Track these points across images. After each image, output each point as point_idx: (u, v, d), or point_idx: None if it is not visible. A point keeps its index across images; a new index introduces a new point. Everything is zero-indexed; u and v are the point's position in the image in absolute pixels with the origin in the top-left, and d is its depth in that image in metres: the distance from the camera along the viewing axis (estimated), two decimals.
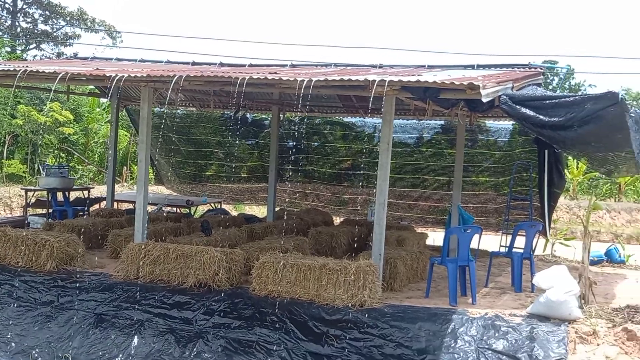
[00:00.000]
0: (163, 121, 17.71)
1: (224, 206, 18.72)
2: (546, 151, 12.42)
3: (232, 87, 8.74)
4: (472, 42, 74.66)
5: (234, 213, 18.85)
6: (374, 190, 10.88)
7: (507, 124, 15.94)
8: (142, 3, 72.03)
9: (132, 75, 9.33)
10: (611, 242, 17.92)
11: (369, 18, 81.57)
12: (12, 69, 10.15)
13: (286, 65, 13.51)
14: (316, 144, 18.88)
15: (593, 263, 12.40)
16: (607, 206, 25.09)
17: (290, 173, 18.33)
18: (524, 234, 10.38)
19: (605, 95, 8.25)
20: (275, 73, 9.45)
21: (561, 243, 14.87)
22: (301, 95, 8.41)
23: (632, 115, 8.78)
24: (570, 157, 20.70)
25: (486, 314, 8.10)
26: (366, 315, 8.03)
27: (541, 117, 8.50)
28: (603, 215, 24.87)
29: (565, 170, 19.33)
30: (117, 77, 9.18)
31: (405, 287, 9.68)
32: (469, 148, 15.89)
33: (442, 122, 17.13)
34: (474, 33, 77.94)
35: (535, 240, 10.59)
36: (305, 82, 8.26)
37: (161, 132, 17.72)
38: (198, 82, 9.40)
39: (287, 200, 18.54)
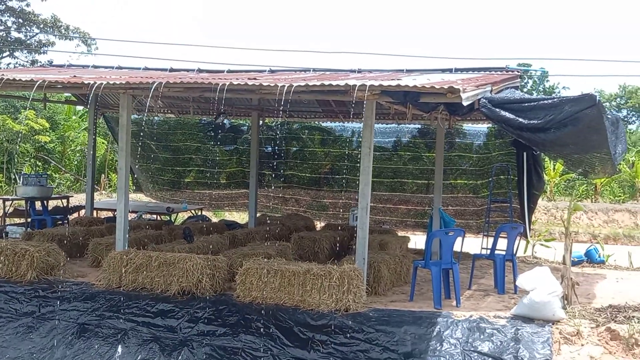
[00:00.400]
0: (142, 128, 17.59)
1: (204, 213, 18.64)
2: (525, 153, 12.54)
3: (212, 93, 8.71)
4: (449, 46, 75.22)
5: (215, 219, 18.77)
6: (354, 195, 10.89)
7: (484, 126, 16.06)
8: (117, 10, 71.59)
9: (111, 82, 9.26)
10: (590, 243, 18.12)
11: (346, 23, 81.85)
12: None
13: (265, 71, 13.52)
14: (295, 149, 18.87)
15: (573, 264, 12.46)
16: (584, 207, 25.37)
17: (270, 178, 18.30)
18: (506, 236, 10.45)
19: (583, 97, 8.37)
20: (255, 79, 9.43)
21: (541, 244, 15.00)
22: (282, 100, 8.40)
23: (609, 117, 8.93)
24: (546, 159, 20.93)
25: (471, 316, 8.14)
26: (351, 320, 8.04)
27: (520, 119, 8.58)
28: (580, 216, 25.14)
29: (543, 172, 19.54)
30: (96, 85, 9.10)
31: (390, 290, 9.69)
32: (446, 151, 15.99)
33: (419, 126, 17.22)
34: (450, 37, 78.52)
35: (516, 242, 10.67)
36: (285, 88, 8.26)
37: (140, 139, 17.60)
38: (178, 88, 9.36)
39: (268, 205, 18.50)
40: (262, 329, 8.19)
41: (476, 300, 9.40)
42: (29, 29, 37.95)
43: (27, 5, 37.24)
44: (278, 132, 18.18)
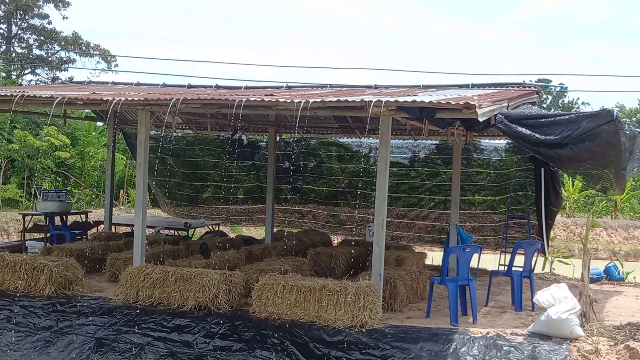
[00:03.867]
0: (160, 144, 17.73)
1: (221, 228, 18.69)
2: (542, 169, 12.49)
3: (229, 109, 8.78)
4: (467, 62, 75.21)
5: (232, 235, 18.82)
6: (371, 210, 10.88)
7: (501, 142, 16.01)
8: (137, 27, 72.42)
9: (130, 99, 9.37)
10: (609, 260, 17.94)
11: (363, 39, 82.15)
12: (9, 94, 10.17)
13: (282, 87, 13.60)
14: (312, 164, 18.91)
15: (592, 281, 12.38)
16: (604, 223, 25.12)
17: (287, 193, 18.33)
18: (523, 252, 10.38)
19: (600, 113, 8.34)
20: (272, 95, 9.50)
21: (560, 261, 14.87)
22: (298, 116, 8.44)
23: (627, 132, 8.87)
24: (565, 175, 20.78)
25: (487, 333, 8.09)
26: (367, 336, 8.01)
27: (537, 135, 8.57)
28: (600, 233, 24.90)
29: (561, 188, 19.39)
30: (115, 101, 9.21)
31: (406, 307, 9.65)
32: (464, 167, 15.94)
33: (437, 142, 17.19)
34: (468, 53, 78.50)
35: (534, 258, 10.59)
36: (302, 104, 8.31)
37: (158, 155, 17.73)
38: (195, 104, 9.44)
39: (285, 220, 18.52)
40: (277, 345, 8.18)
41: (493, 317, 9.34)
42: (50, 46, 38.54)
43: (49, 23, 37.88)
44: (295, 148, 18.23)
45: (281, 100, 8.64)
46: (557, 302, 8.00)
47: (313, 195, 18.65)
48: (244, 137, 18.27)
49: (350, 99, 8.41)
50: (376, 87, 13.02)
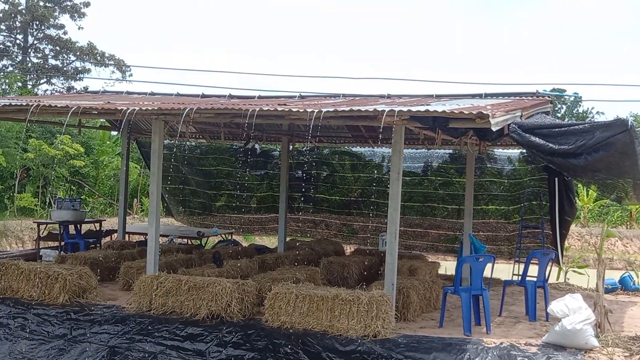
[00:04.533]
0: (173, 153, 17.83)
1: (234, 237, 18.73)
2: (556, 179, 12.42)
3: (242, 118, 8.81)
4: (480, 71, 75.09)
5: (245, 244, 18.85)
6: (384, 219, 10.86)
7: (515, 152, 15.96)
8: (150, 37, 72.96)
9: (144, 108, 9.43)
10: (625, 270, 17.78)
11: (376, 49, 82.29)
12: (24, 104, 10.28)
13: (295, 97, 13.63)
14: (325, 173, 18.93)
15: (607, 291, 12.28)
16: (619, 233, 24.93)
17: (300, 203, 18.34)
18: (537, 262, 10.33)
19: (614, 122, 8.30)
20: (285, 104, 9.53)
21: (574, 271, 14.77)
22: (311, 126, 8.46)
23: None
24: (579, 185, 20.66)
25: (501, 343, 8.04)
26: (380, 345, 7.99)
27: (551, 145, 8.53)
28: (615, 243, 24.70)
29: (576, 198, 19.31)
30: (129, 111, 9.27)
31: (419, 317, 9.62)
32: (477, 176, 15.90)
33: (450, 151, 17.17)
34: (481, 62, 78.39)
35: (548, 268, 10.53)
36: (315, 113, 8.33)
37: (172, 164, 17.82)
38: (209, 114, 9.48)
39: (298, 230, 18.53)
40: (290, 354, 8.17)
41: (507, 327, 9.28)
42: (65, 56, 38.88)
43: (65, 33, 38.23)
44: (308, 157, 18.27)
45: (294, 109, 8.66)
46: (571, 313, 7.95)
47: (326, 204, 18.66)
48: (257, 146, 18.33)
49: (363, 108, 8.42)
50: (389, 96, 13.02)
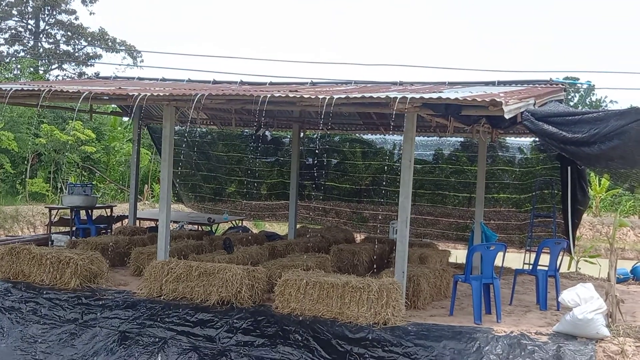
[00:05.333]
0: (184, 139, 17.84)
1: (245, 223, 18.74)
2: (569, 167, 12.34)
3: (253, 105, 8.77)
4: (493, 58, 74.59)
5: (255, 230, 18.87)
6: (395, 207, 10.82)
7: (527, 140, 15.86)
8: (163, 22, 72.90)
9: (155, 94, 9.41)
10: (637, 260, 17.69)
11: (388, 35, 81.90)
12: (36, 89, 10.28)
13: (306, 83, 13.58)
14: (336, 161, 18.88)
15: (619, 281, 12.22)
16: (631, 223, 24.79)
17: (311, 190, 18.32)
18: (548, 251, 10.27)
19: (629, 111, 8.23)
20: (296, 91, 9.49)
21: (586, 260, 14.71)
22: (322, 112, 8.42)
23: None
24: (592, 174, 20.53)
25: (512, 332, 8.02)
26: (390, 333, 7.98)
27: (564, 133, 8.46)
28: (627, 232, 24.57)
29: (588, 187, 19.19)
30: (140, 96, 9.26)
31: (429, 305, 9.61)
32: (489, 165, 15.81)
33: (462, 139, 17.07)
34: (494, 49, 77.90)
35: (560, 257, 10.48)
36: (326, 100, 8.28)
37: (182, 150, 17.83)
38: (220, 100, 9.45)
39: (308, 217, 18.53)
40: (300, 341, 8.19)
41: (517, 316, 9.25)
42: (77, 41, 38.93)
43: (76, 18, 38.26)
44: (319, 145, 18.22)
45: (305, 96, 8.63)
46: (582, 302, 7.90)
47: (336, 192, 18.62)
48: (267, 133, 18.29)
49: (375, 95, 8.37)
50: (401, 83, 12.95)
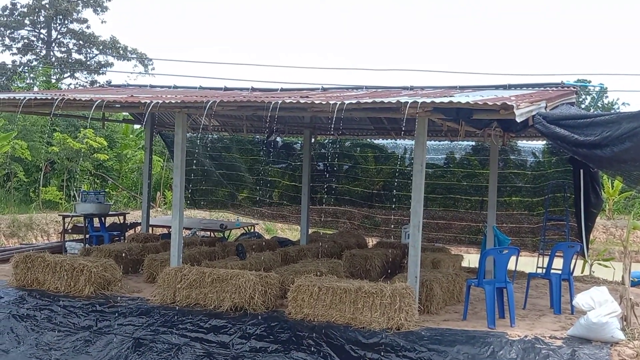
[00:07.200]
0: (197, 146, 17.91)
1: (257, 229, 18.78)
2: (582, 170, 12.28)
3: (264, 111, 8.81)
4: (504, 62, 74.39)
5: (267, 236, 18.90)
6: (407, 212, 10.80)
7: (539, 143, 15.80)
8: (174, 30, 73.24)
9: (167, 101, 9.47)
10: None
11: (399, 40, 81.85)
12: (49, 98, 10.36)
13: (317, 89, 13.60)
14: (347, 166, 18.88)
15: (633, 284, 12.13)
16: None
17: (323, 195, 18.33)
18: (562, 254, 10.23)
19: None
20: (307, 97, 9.51)
21: (600, 264, 14.62)
22: (333, 118, 8.43)
23: None
24: (604, 176, 20.43)
25: (525, 336, 7.99)
26: (403, 338, 7.97)
27: (576, 136, 8.43)
28: None
29: (601, 190, 19.07)
30: (152, 104, 9.32)
31: (442, 309, 9.59)
32: (501, 168, 15.76)
33: (473, 143, 17.04)
34: (505, 53, 77.67)
35: (573, 261, 10.43)
36: (337, 105, 8.30)
37: (195, 157, 17.90)
38: (231, 107, 9.49)
39: (321, 222, 18.53)
40: (313, 347, 8.19)
41: (531, 320, 9.21)
42: (89, 50, 39.20)
43: (88, 27, 38.54)
44: (330, 150, 18.24)
45: (317, 101, 8.64)
46: (597, 305, 7.87)
47: (348, 196, 18.62)
48: (279, 139, 18.34)
49: (385, 100, 8.38)
50: (412, 88, 12.95)
